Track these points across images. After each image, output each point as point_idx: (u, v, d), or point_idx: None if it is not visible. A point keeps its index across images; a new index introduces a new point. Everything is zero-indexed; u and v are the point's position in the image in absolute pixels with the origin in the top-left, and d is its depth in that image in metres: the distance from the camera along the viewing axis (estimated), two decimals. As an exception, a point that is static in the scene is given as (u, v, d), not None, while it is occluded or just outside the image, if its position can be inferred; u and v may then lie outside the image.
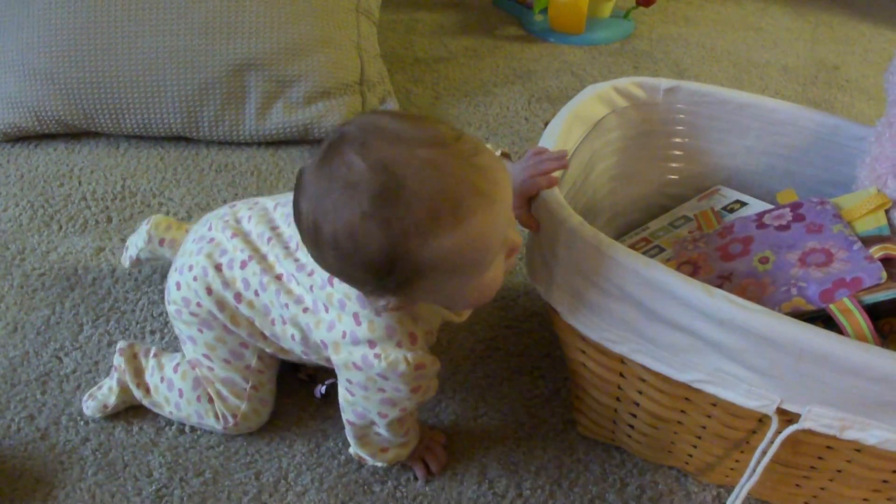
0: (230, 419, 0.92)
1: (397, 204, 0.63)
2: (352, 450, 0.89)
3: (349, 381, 0.82)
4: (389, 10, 1.98)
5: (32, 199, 1.30)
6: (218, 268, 0.86)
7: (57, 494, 0.88)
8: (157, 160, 1.41)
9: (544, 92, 1.72)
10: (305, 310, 0.82)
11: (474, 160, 0.66)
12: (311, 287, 0.81)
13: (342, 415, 0.86)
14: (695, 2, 2.28)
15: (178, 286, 0.89)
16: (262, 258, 0.85)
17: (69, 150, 1.43)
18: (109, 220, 1.27)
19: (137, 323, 1.08)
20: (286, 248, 0.84)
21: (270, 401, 0.95)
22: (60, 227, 1.25)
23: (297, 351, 0.87)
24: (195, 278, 0.87)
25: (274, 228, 0.86)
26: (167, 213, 1.28)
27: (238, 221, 0.89)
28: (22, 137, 1.45)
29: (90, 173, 1.37)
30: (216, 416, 0.92)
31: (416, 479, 0.92)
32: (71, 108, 1.41)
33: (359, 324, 0.78)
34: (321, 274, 0.79)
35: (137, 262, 1.10)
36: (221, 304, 0.86)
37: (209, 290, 0.86)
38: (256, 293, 0.84)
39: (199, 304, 0.87)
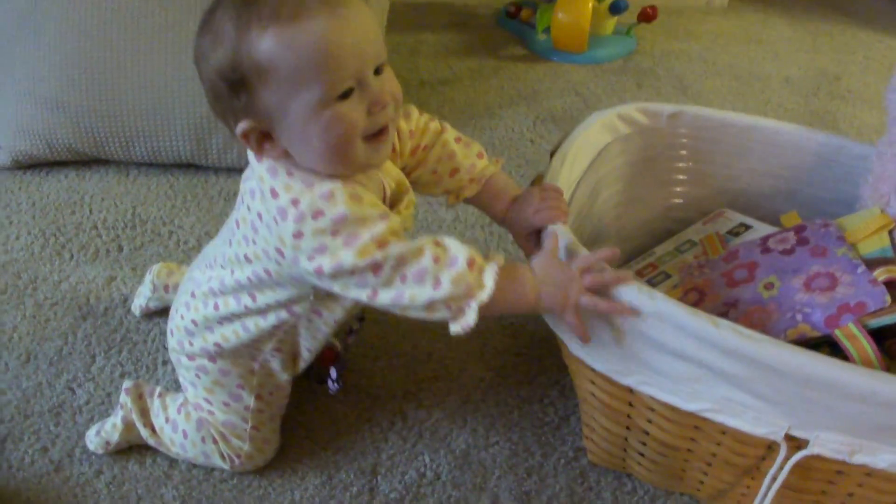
0: (236, 460, 0.92)
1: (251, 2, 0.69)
2: (452, 328, 0.73)
3: (327, 274, 0.72)
4: (394, 33, 2.00)
5: (44, 227, 1.31)
6: (193, 295, 0.89)
7: (73, 528, 0.89)
8: (166, 188, 1.42)
9: (549, 113, 1.73)
10: (247, 259, 0.80)
11: None
12: (231, 246, 0.83)
13: (378, 303, 0.73)
14: (695, 15, 2.30)
15: (172, 332, 0.93)
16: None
17: (80, 178, 1.44)
18: (120, 248, 1.28)
19: (149, 354, 1.09)
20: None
21: (274, 439, 0.95)
22: (72, 256, 1.26)
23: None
24: (181, 317, 0.90)
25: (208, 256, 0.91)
26: (177, 242, 1.29)
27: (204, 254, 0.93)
28: (33, 165, 1.46)
29: (101, 201, 1.38)
30: (222, 457, 0.92)
31: (428, 506, 0.92)
32: (81, 136, 1.42)
33: (276, 196, 0.73)
34: (229, 242, 0.83)
35: (148, 310, 1.13)
36: (210, 328, 0.88)
37: (195, 322, 0.89)
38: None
39: (191, 344, 0.90)
